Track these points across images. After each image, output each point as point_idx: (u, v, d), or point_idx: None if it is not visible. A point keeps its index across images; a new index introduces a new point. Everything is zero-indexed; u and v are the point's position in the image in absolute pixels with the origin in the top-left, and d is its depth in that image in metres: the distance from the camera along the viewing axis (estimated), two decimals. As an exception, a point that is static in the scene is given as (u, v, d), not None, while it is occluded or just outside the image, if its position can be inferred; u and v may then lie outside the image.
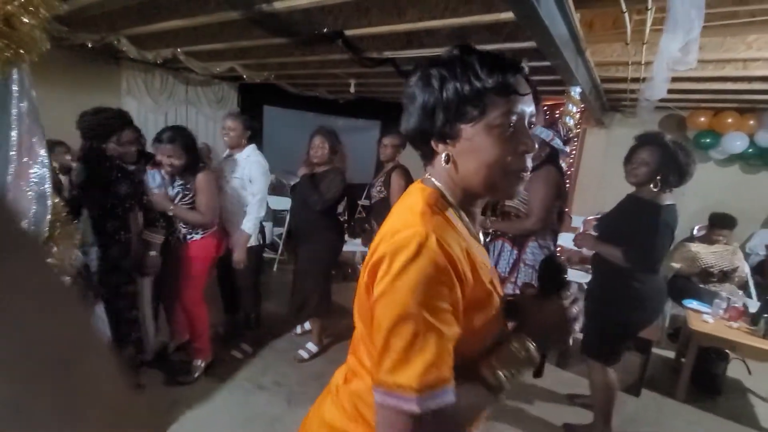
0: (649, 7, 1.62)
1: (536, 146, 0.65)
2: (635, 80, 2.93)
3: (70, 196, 1.90)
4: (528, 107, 0.63)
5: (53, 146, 2.14)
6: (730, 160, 4.33)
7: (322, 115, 5.28)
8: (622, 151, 1.95)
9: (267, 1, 1.95)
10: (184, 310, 2.21)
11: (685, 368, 2.45)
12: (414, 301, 0.53)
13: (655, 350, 2.97)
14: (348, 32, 2.31)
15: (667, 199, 1.78)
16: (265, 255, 4.41)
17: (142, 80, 4.00)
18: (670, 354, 2.99)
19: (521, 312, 0.70)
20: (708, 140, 4.19)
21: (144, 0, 2.23)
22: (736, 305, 2.49)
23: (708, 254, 2.95)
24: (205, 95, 4.59)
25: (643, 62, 2.41)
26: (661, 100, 3.53)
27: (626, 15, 1.81)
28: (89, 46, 2.88)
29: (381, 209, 2.50)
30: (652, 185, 1.76)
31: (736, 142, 4.02)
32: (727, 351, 2.51)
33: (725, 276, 2.92)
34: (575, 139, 4.96)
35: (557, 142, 2.12)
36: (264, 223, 2.58)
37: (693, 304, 2.69)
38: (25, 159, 0.74)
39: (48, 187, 0.79)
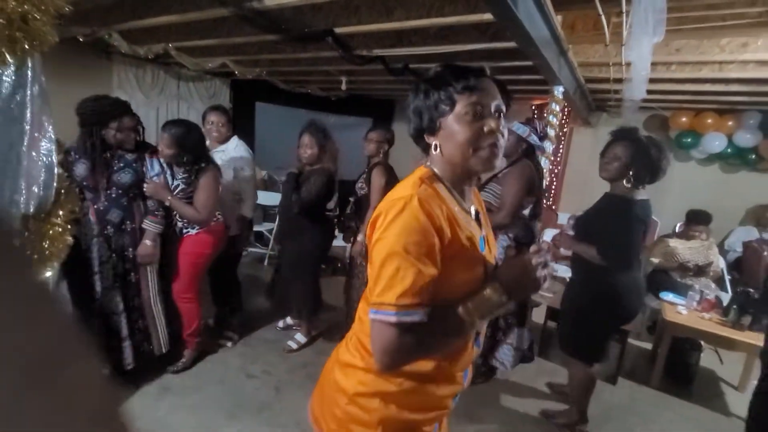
0: (623, 10, 1.70)
1: (505, 132, 0.80)
2: (618, 81, 3.02)
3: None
4: (492, 101, 0.79)
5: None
6: (711, 160, 4.47)
7: (313, 111, 5.31)
8: (608, 150, 1.99)
9: (258, -1, 1.99)
10: (176, 301, 2.25)
11: (660, 358, 2.56)
12: (398, 244, 0.71)
13: (633, 342, 3.09)
14: (338, 30, 2.36)
15: (640, 194, 1.78)
16: (256, 250, 4.47)
17: (133, 75, 4.01)
18: (649, 345, 3.10)
19: (498, 268, 0.84)
20: (689, 140, 4.32)
21: (136, -5, 2.27)
22: (709, 297, 2.60)
23: (685, 249, 3.06)
24: (197, 91, 4.61)
25: (623, 63, 2.49)
26: (645, 101, 3.64)
27: (603, 18, 1.89)
28: (80, 40, 2.90)
29: (363, 205, 2.52)
30: (624, 181, 1.76)
31: (715, 142, 4.16)
32: (700, 341, 2.62)
33: (701, 270, 3.04)
34: (562, 138, 5.07)
35: (533, 138, 2.18)
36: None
37: (669, 296, 2.80)
38: (36, 134, 0.85)
39: (54, 158, 0.89)
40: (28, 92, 0.84)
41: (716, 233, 3.79)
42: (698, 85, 3.12)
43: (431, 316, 0.74)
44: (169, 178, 2.14)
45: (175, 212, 2.15)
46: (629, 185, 1.76)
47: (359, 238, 2.50)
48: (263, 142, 5.19)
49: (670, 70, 2.82)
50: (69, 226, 0.94)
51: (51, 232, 0.90)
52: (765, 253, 3.58)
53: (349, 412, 0.84)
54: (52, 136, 0.92)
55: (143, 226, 2.03)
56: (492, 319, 1.46)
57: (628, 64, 2.38)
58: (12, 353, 0.17)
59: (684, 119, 4.32)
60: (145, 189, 2.02)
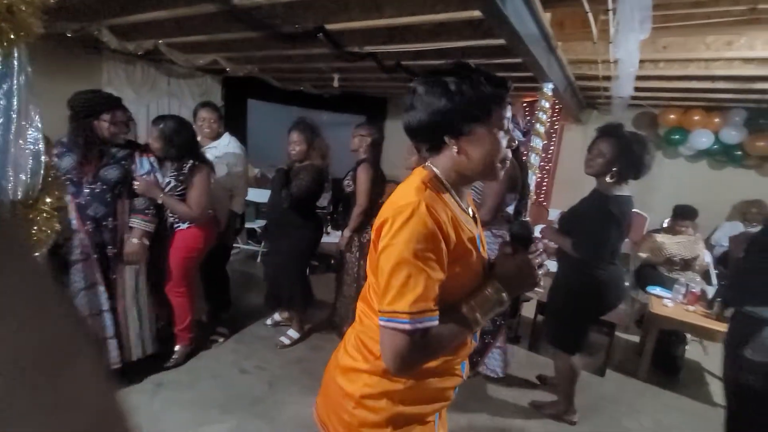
0: (609, 8, 1.73)
1: (516, 142, 0.87)
2: (607, 78, 3.07)
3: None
4: (510, 113, 0.84)
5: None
6: (698, 156, 4.54)
7: (306, 109, 5.30)
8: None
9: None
10: (168, 296, 2.25)
11: (647, 350, 2.61)
12: (407, 251, 0.72)
13: (621, 335, 3.15)
14: (329, 26, 2.36)
15: (622, 190, 1.82)
16: (248, 247, 4.47)
17: (123, 71, 3.98)
18: (636, 338, 3.16)
19: (496, 266, 0.87)
20: (677, 137, 4.39)
21: (125, -10, 2.25)
22: (695, 290, 2.66)
23: (672, 244, 3.12)
24: (188, 88, 4.58)
25: (612, 60, 2.53)
26: (634, 98, 3.69)
27: (590, 15, 1.92)
28: (69, 36, 2.87)
29: (350, 202, 2.56)
30: (608, 177, 1.80)
31: (702, 139, 4.23)
32: (685, 333, 2.68)
33: (687, 264, 3.10)
34: (553, 135, 5.12)
35: (516, 134, 2.22)
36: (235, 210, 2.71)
37: (656, 290, 2.86)
38: (23, 123, 0.87)
39: (41, 147, 0.92)
40: (14, 82, 0.87)
41: (704, 228, 3.86)
42: (685, 82, 3.17)
43: (439, 318, 0.76)
44: (159, 177, 2.13)
45: (166, 209, 2.15)
46: (612, 181, 1.80)
47: (345, 232, 2.53)
48: (256, 139, 5.18)
49: (658, 67, 2.86)
50: (56, 213, 0.97)
51: (39, 218, 0.93)
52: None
53: (358, 415, 0.85)
54: (39, 125, 0.95)
55: (131, 224, 2.00)
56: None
57: (616, 62, 2.41)
58: (17, 349, 0.17)
59: (673, 116, 4.38)
60: (135, 187, 2.01)
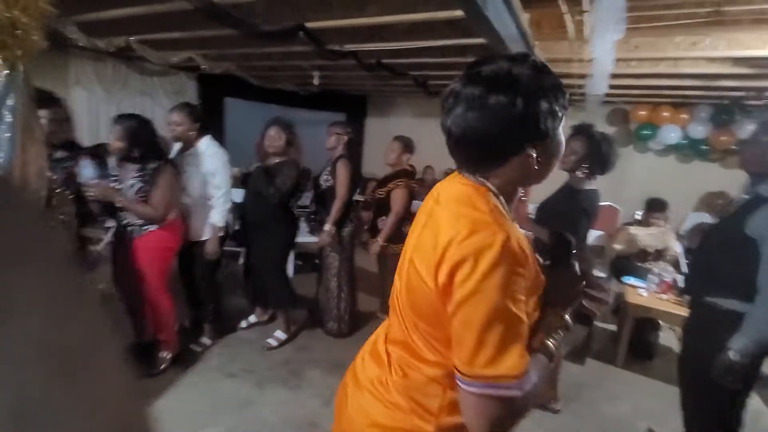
0: (585, 9, 1.78)
1: None
2: (582, 76, 3.16)
3: None
4: None
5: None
6: (667, 151, 4.75)
7: (286, 107, 5.23)
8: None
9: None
10: (147, 302, 2.18)
11: (623, 338, 2.73)
12: (502, 298, 0.59)
13: (599, 324, 3.26)
14: (309, 25, 2.34)
15: (590, 184, 1.96)
16: (229, 248, 4.37)
17: (92, 69, 3.82)
18: (614, 327, 3.29)
19: (545, 290, 0.76)
20: (648, 132, 4.57)
21: (95, -15, 2.16)
22: (666, 279, 2.79)
23: (645, 236, 3.25)
24: (162, 86, 4.43)
25: (588, 59, 2.60)
26: (608, 95, 3.82)
27: (566, 16, 1.97)
28: (33, 32, 2.72)
29: (328, 198, 2.57)
30: (579, 172, 1.94)
31: (671, 134, 4.41)
32: (659, 321, 2.81)
33: (659, 255, 3.24)
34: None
35: None
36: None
37: (630, 280, 2.98)
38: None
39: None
40: (19, 97, 0.86)
41: (673, 220, 4.04)
42: (655, 80, 3.31)
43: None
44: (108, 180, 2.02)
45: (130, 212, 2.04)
46: (582, 176, 1.93)
47: (326, 228, 2.53)
48: (234, 138, 5.06)
49: (630, 66, 2.97)
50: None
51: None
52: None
53: None
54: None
55: (82, 234, 1.90)
56: None
57: (591, 61, 2.49)
58: (45, 341, 0.17)
59: (643, 112, 4.55)
60: (91, 193, 1.90)
